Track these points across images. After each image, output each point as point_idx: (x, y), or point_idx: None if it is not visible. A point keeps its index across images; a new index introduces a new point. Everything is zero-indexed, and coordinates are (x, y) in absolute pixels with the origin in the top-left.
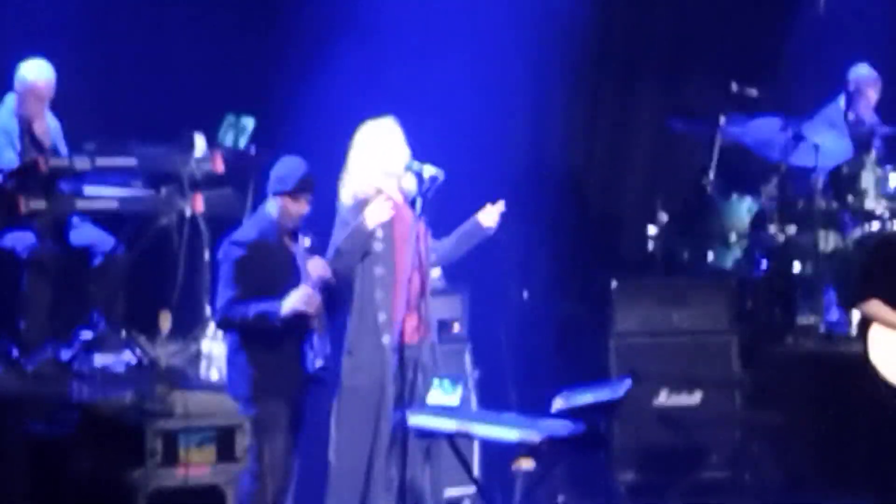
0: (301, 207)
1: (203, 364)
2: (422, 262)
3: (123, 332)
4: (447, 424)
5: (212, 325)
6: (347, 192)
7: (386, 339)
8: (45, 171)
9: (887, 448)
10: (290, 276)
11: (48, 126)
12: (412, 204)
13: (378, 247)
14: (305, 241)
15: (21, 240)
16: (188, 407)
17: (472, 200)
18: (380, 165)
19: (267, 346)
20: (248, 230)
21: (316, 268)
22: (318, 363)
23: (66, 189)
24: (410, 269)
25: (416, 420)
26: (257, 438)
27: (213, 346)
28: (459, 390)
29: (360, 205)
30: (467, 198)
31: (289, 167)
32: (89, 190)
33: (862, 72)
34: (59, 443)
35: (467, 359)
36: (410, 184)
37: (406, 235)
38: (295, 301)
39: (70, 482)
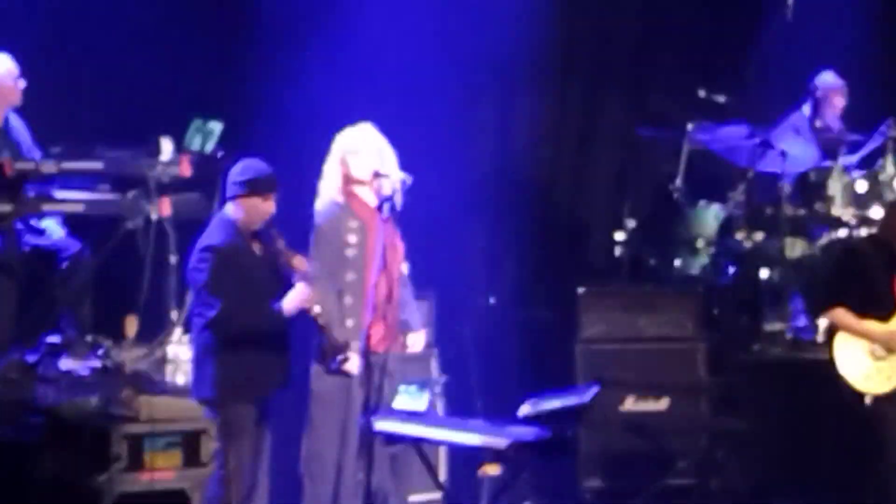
0: (269, 207)
1: (169, 368)
2: (388, 268)
3: (89, 336)
4: (413, 430)
5: (177, 330)
6: (321, 197)
7: (354, 345)
8: (10, 174)
9: (853, 454)
10: (266, 277)
11: (11, 125)
12: (380, 209)
13: (351, 253)
14: (279, 241)
15: None
16: (154, 411)
17: (440, 207)
18: (349, 171)
19: (249, 347)
20: (216, 235)
21: (302, 263)
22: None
23: (32, 192)
24: (377, 274)
25: (383, 425)
26: (223, 443)
27: (179, 351)
28: (426, 396)
29: (333, 209)
30: (435, 204)
31: (253, 169)
32: (55, 193)
33: (828, 79)
34: (24, 447)
35: (434, 365)
36: (388, 188)
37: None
38: (297, 299)
39: (35, 486)
